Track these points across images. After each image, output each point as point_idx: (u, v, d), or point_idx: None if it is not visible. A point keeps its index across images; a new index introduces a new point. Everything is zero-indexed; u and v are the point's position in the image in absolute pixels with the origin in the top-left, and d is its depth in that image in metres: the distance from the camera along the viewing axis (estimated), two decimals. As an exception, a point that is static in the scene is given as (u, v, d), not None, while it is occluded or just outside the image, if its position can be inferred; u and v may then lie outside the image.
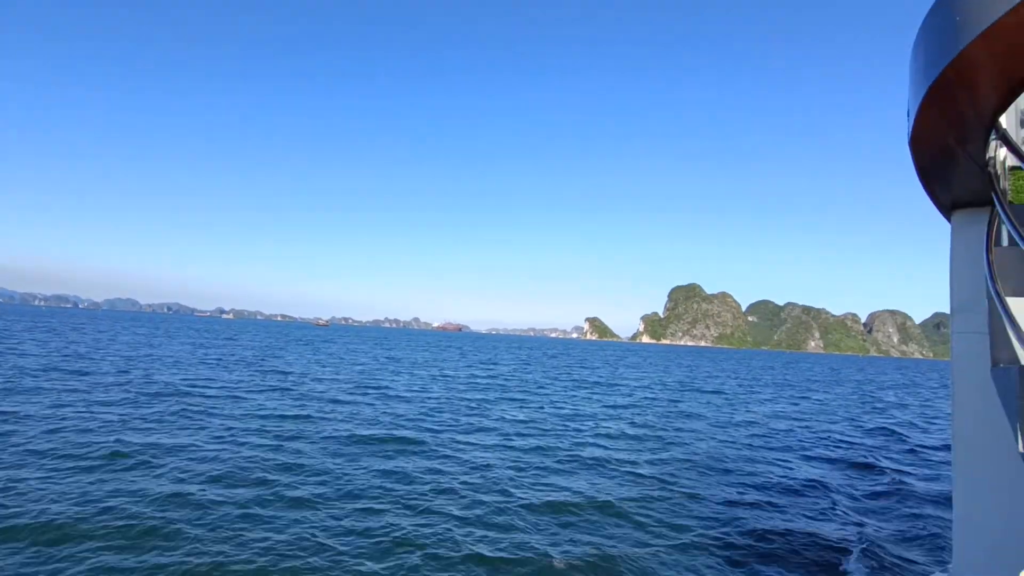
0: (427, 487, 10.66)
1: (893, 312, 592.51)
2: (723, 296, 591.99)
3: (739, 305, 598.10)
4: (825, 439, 19.60)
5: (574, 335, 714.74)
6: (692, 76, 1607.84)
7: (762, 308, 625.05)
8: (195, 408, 17.26)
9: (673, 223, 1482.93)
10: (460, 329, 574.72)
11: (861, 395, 41.25)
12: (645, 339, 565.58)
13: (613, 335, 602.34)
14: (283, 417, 16.86)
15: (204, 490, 9.56)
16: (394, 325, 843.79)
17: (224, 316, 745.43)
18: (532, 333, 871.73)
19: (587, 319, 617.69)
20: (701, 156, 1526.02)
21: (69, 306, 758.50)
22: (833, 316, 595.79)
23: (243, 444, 13.05)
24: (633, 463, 13.78)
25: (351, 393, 23.88)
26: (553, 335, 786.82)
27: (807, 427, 22.37)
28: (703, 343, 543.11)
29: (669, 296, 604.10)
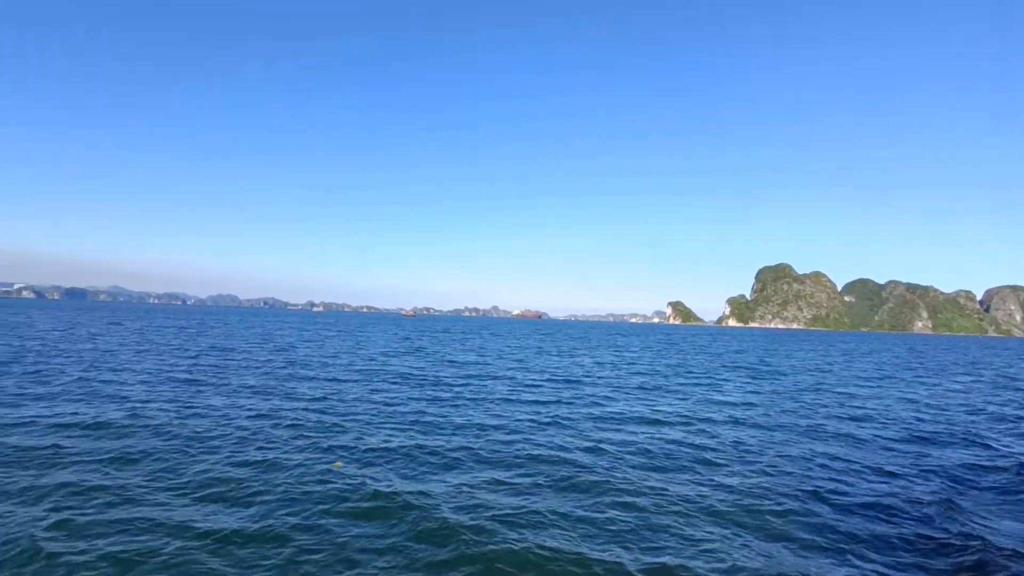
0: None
1: (1015, 288, 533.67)
2: (816, 276, 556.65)
3: (834, 285, 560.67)
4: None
5: (655, 319, 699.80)
6: (780, 46, 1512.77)
7: (860, 287, 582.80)
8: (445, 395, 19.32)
9: (758, 202, 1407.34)
10: (540, 316, 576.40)
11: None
12: (731, 322, 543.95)
13: (697, 319, 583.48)
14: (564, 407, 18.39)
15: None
16: (473, 314, 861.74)
17: (314, 308, 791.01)
18: (611, 318, 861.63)
19: (669, 303, 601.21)
20: (780, 128, 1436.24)
21: (179, 303, 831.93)
22: (943, 294, 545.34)
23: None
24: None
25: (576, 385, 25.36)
26: (633, 320, 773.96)
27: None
28: (795, 325, 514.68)
29: (756, 277, 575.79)
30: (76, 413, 14.24)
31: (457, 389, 21.46)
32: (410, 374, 25.87)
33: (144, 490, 9.05)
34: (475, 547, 7.22)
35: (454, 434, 13.60)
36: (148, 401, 16.37)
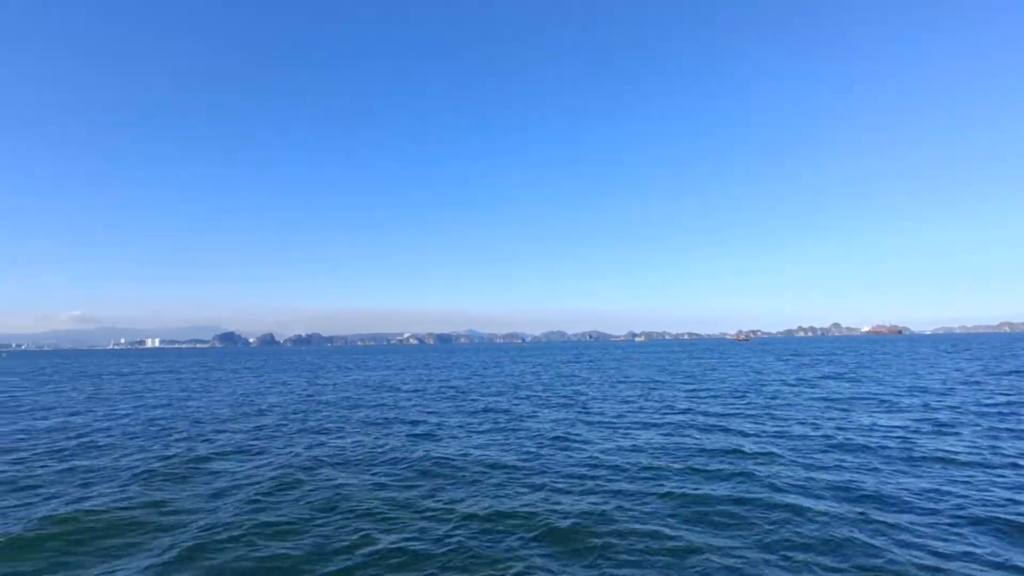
0: None
1: None
2: None
3: None
4: None
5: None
6: None
7: None
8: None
9: None
10: (900, 332, 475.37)
11: None
12: None
13: None
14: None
15: None
16: (809, 334, 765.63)
17: (636, 339, 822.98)
18: (1007, 328, 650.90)
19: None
20: None
21: (519, 342, 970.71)
22: None
23: None
24: None
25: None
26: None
27: None
28: None
29: None
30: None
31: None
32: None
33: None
34: None
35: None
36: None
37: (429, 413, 27.65)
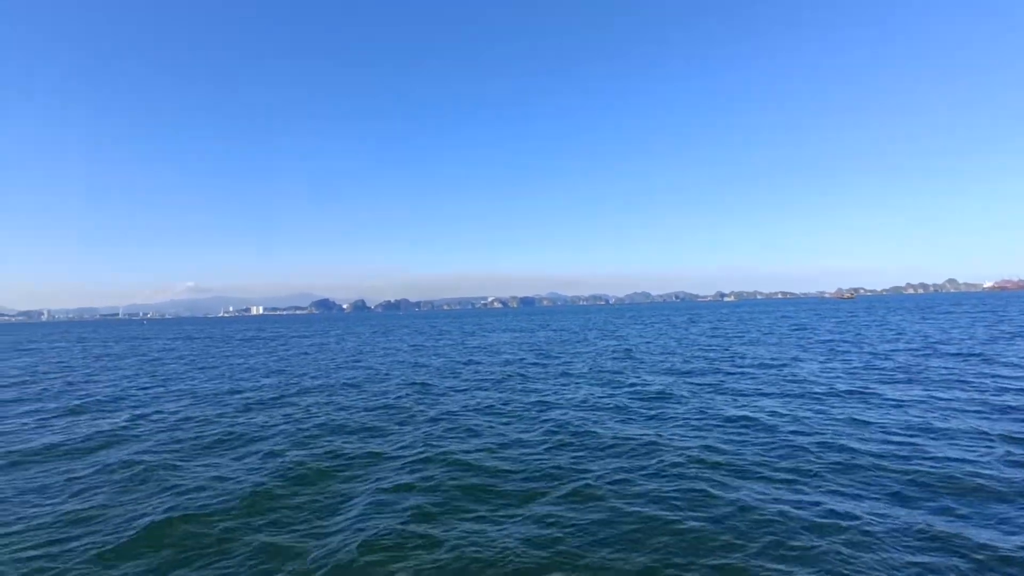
0: None
1: None
2: None
3: None
4: None
5: None
6: None
7: None
8: None
9: None
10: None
11: None
12: None
13: None
14: None
15: None
16: (920, 291, 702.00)
17: (725, 299, 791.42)
18: None
19: None
20: None
21: (602, 303, 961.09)
22: None
23: None
24: None
25: None
26: None
27: None
28: None
29: None
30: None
31: None
32: None
33: None
34: None
35: None
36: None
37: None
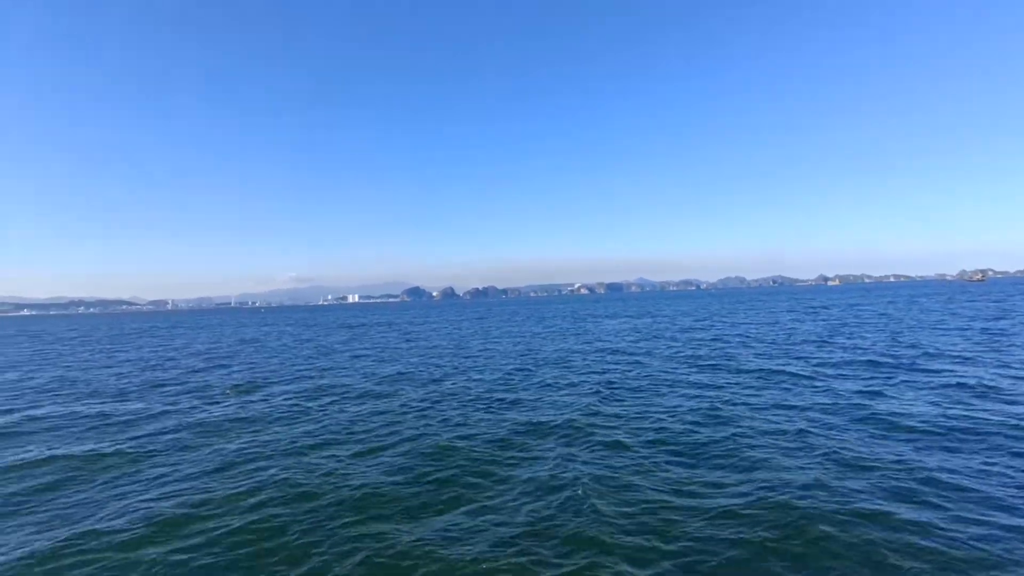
0: None
1: None
2: None
3: None
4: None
5: None
6: None
7: None
8: None
9: None
10: None
11: None
12: None
13: None
14: None
15: None
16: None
17: (829, 283, 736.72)
18: None
19: None
20: None
21: (692, 288, 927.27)
22: None
23: None
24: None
25: None
26: None
27: None
28: None
29: None
30: None
31: None
32: None
33: None
34: None
35: None
36: None
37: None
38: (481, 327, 63.87)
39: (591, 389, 20.48)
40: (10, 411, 20.03)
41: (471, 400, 19.42)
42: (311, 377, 26.73)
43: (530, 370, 26.27)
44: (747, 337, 37.96)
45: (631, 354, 30.79)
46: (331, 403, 19.81)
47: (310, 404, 19.72)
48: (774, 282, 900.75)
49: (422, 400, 19.73)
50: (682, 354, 29.81)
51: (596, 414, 16.46)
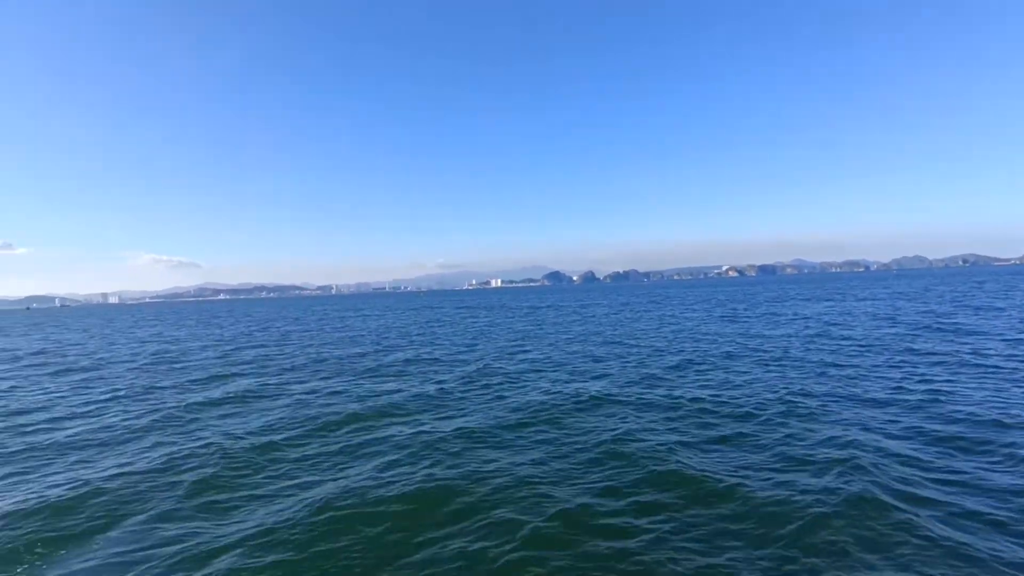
0: None
1: None
2: None
3: None
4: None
5: None
6: None
7: None
8: None
9: None
10: None
11: None
12: None
13: None
14: None
15: None
16: None
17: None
18: None
19: None
20: None
21: (861, 270, 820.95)
22: None
23: None
24: None
25: None
26: None
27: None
28: None
29: None
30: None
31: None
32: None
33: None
34: None
35: None
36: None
37: None
38: (658, 314, 57.85)
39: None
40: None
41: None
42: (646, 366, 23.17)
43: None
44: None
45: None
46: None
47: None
48: (964, 262, 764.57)
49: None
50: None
51: None
